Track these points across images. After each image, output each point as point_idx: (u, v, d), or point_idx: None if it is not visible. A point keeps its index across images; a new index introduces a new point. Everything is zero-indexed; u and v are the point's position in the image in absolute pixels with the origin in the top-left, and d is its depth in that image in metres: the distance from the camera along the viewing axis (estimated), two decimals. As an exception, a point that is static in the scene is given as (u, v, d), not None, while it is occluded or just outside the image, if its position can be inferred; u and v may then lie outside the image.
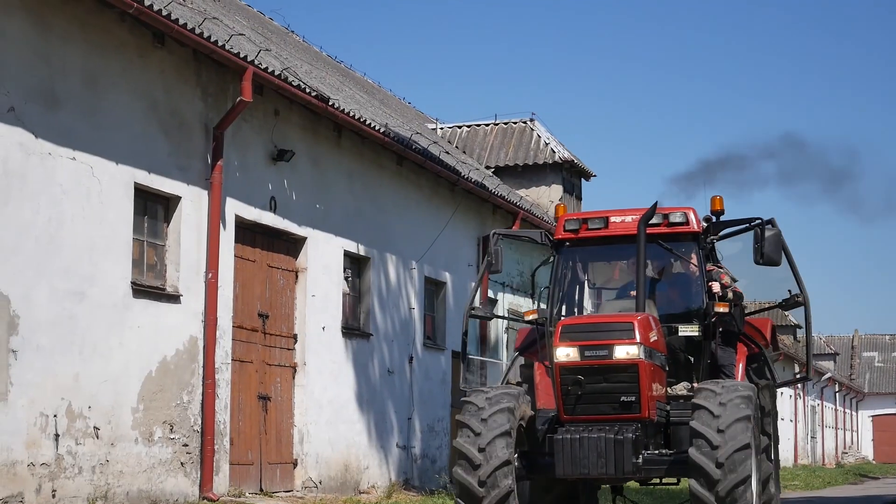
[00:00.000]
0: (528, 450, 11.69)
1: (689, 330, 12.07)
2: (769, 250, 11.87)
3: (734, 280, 12.83)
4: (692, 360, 12.30)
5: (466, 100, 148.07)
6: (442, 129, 28.99)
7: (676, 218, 12.35)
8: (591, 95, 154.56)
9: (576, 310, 12.78)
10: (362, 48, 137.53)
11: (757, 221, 12.12)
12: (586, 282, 13.11)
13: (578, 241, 12.65)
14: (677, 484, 12.63)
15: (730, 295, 12.36)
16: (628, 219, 12.31)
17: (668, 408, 11.71)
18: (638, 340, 11.02)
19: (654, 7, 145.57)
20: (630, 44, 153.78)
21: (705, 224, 12.48)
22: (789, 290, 12.47)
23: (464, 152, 27.87)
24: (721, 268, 12.73)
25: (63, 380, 12.60)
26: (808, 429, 62.39)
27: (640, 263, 11.81)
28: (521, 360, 13.03)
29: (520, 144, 28.53)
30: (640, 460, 11.07)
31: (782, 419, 52.91)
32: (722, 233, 12.61)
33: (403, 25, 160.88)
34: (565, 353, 11.20)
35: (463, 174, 21.64)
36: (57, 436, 12.46)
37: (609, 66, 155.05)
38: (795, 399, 58.09)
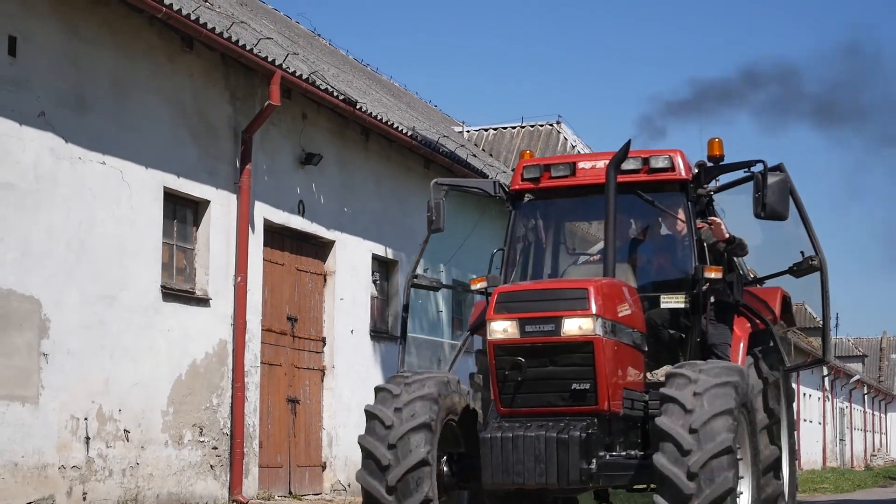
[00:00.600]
0: (465, 452, 9.33)
1: (672, 301, 9.62)
2: (773, 200, 9.34)
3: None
4: (683, 337, 9.88)
5: (493, 102, 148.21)
6: (468, 131, 28.94)
7: (659, 163, 9.92)
8: (617, 97, 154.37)
9: (545, 276, 10.49)
10: (389, 52, 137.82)
11: (758, 165, 9.56)
12: (562, 245, 10.84)
13: (540, 193, 10.39)
14: None
15: (735, 240, 10.11)
16: (600, 164, 9.92)
17: (647, 398, 9.31)
18: (594, 312, 8.61)
19: (681, 11, 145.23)
20: (657, 46, 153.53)
21: (696, 170, 10.02)
22: (802, 252, 9.98)
23: (490, 155, 27.83)
24: (717, 218, 10.29)
25: (93, 383, 12.65)
26: (836, 431, 62.09)
27: (609, 217, 9.43)
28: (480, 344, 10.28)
29: (546, 147, 28.48)
30: (594, 465, 8.60)
31: (809, 421, 52.58)
32: (718, 182, 10.13)
33: (429, 29, 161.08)
34: (501, 329, 8.79)
35: (490, 177, 21.62)
36: (88, 439, 12.51)
37: (636, 68, 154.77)
38: (824, 401, 57.83)
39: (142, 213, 13.48)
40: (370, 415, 8.87)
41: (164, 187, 13.86)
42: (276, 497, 15.33)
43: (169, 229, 14.15)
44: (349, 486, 17.05)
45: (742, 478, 8.69)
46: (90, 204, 12.74)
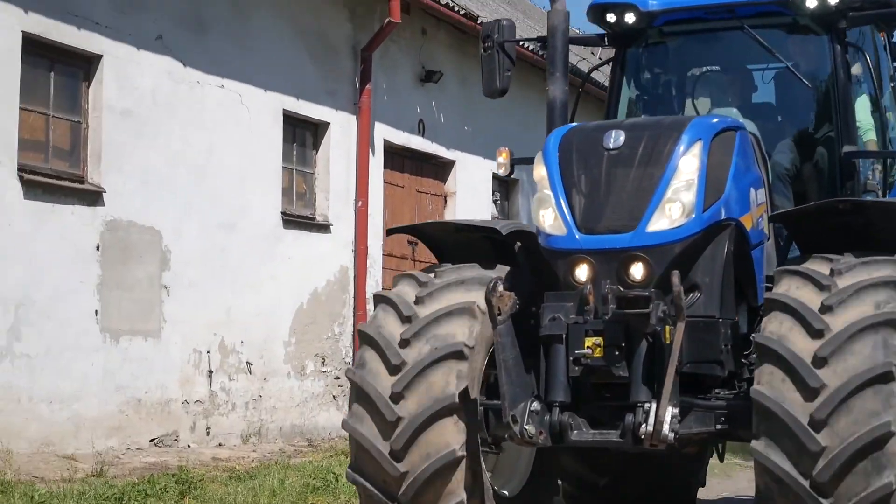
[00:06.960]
0: None
1: None
2: None
3: None
4: None
5: None
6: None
7: None
8: None
9: None
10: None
11: None
12: None
13: None
14: None
15: None
16: None
17: None
18: None
19: None
20: None
21: None
22: None
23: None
24: None
25: (215, 315, 12.28)
26: None
27: None
28: None
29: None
30: None
31: None
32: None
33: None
34: None
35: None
36: (210, 372, 12.24)
37: None
38: None
39: (261, 138, 12.87)
40: None
41: (284, 110, 13.25)
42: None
43: (288, 153, 13.55)
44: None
45: None
46: (209, 129, 12.26)
